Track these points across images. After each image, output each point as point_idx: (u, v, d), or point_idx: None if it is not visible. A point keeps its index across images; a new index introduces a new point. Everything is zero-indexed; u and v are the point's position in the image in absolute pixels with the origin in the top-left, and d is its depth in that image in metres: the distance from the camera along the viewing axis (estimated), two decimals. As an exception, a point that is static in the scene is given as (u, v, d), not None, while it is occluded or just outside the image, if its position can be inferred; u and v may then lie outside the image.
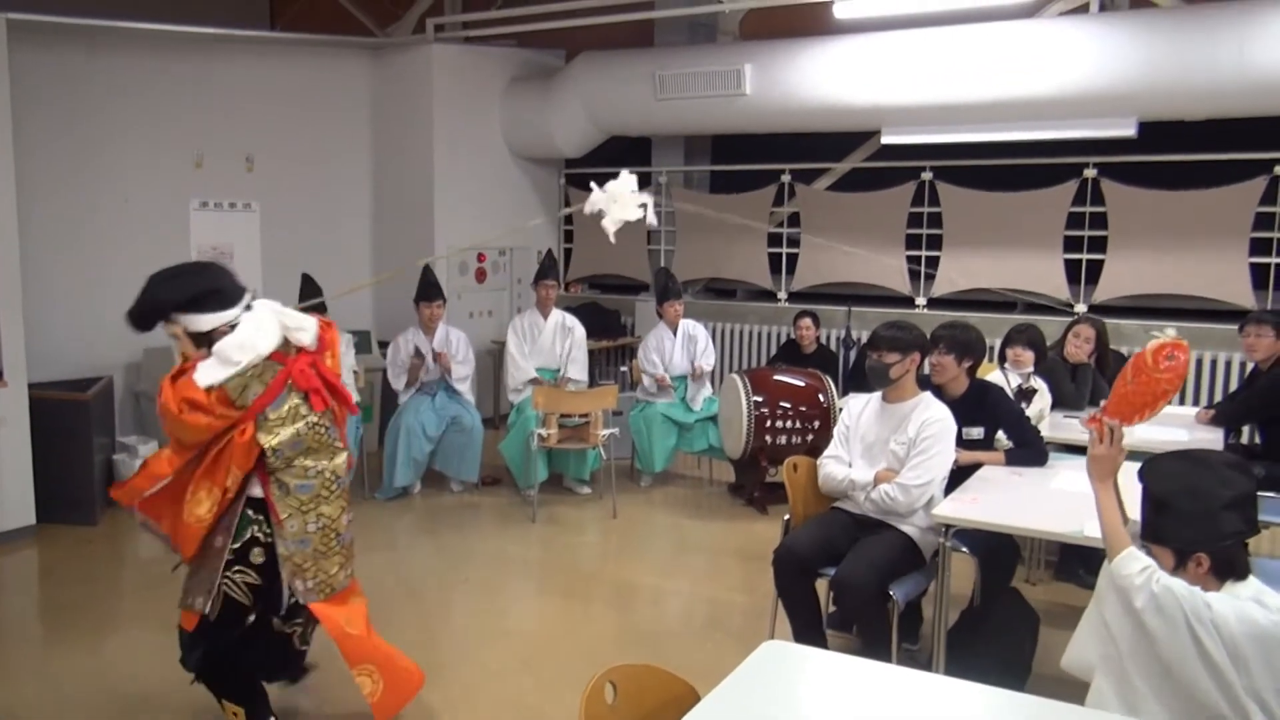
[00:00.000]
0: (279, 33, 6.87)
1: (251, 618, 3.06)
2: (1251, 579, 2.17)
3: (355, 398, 5.84)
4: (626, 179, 3.48)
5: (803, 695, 2.09)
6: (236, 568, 2.95)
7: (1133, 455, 4.21)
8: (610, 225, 3.73)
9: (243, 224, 6.97)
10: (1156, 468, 2.30)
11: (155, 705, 3.50)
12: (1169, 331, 2.57)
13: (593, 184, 3.46)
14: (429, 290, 6.07)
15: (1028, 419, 4.04)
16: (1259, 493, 4.39)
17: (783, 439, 5.73)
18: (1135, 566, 2.17)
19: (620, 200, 3.58)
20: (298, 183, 7.31)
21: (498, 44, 8.07)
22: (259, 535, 2.98)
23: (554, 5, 7.14)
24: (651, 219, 3.38)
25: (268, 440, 2.90)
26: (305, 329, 3.01)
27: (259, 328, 2.91)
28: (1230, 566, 2.16)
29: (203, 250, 6.70)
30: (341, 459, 3.08)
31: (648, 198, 3.38)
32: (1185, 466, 2.27)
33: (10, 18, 4.98)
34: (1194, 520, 2.18)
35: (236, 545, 2.95)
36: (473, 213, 7.93)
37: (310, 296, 5.89)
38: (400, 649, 3.27)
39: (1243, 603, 2.08)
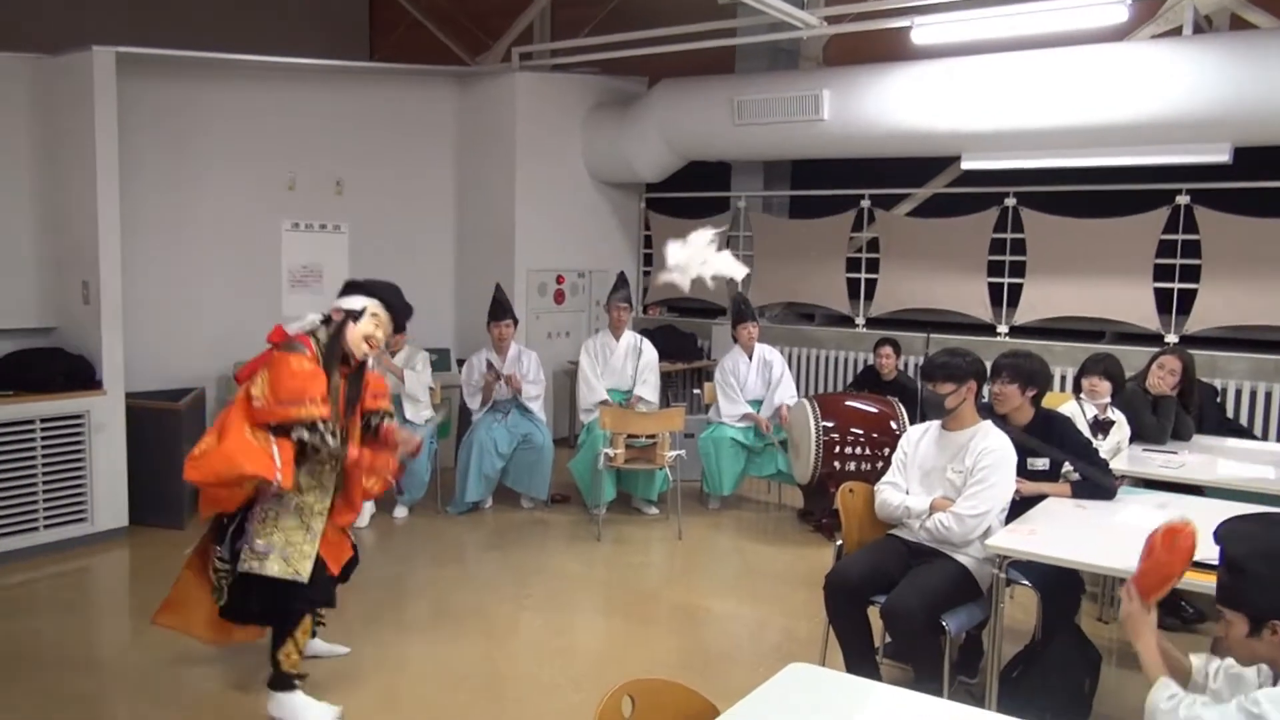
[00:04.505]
0: (367, 63, 7.15)
1: None
2: None
3: (428, 414, 6.02)
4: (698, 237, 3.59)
5: (821, 718, 2.08)
6: None
7: (1219, 493, 4.07)
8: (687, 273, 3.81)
9: (332, 245, 7.26)
10: (1234, 530, 2.17)
11: (233, 691, 3.66)
12: (1178, 515, 2.48)
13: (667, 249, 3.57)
14: (498, 310, 6.22)
15: (1095, 451, 3.92)
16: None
17: (852, 465, 5.66)
18: (1164, 694, 2.13)
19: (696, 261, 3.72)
20: (385, 205, 7.57)
21: (582, 72, 8.24)
22: None
23: (638, 34, 7.27)
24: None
25: None
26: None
27: None
28: None
29: (293, 270, 7.00)
30: None
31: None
32: (1263, 529, 2.15)
33: (120, 51, 5.32)
34: (1270, 586, 2.04)
35: None
36: (553, 236, 8.10)
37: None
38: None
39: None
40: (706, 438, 6.29)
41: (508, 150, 7.83)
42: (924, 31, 6.14)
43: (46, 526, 5.21)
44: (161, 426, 5.61)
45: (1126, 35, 6.32)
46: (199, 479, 3.29)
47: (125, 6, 7.99)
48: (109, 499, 5.45)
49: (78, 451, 5.30)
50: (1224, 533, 2.16)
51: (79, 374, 5.35)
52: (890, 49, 6.94)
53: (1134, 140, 6.11)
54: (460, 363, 7.07)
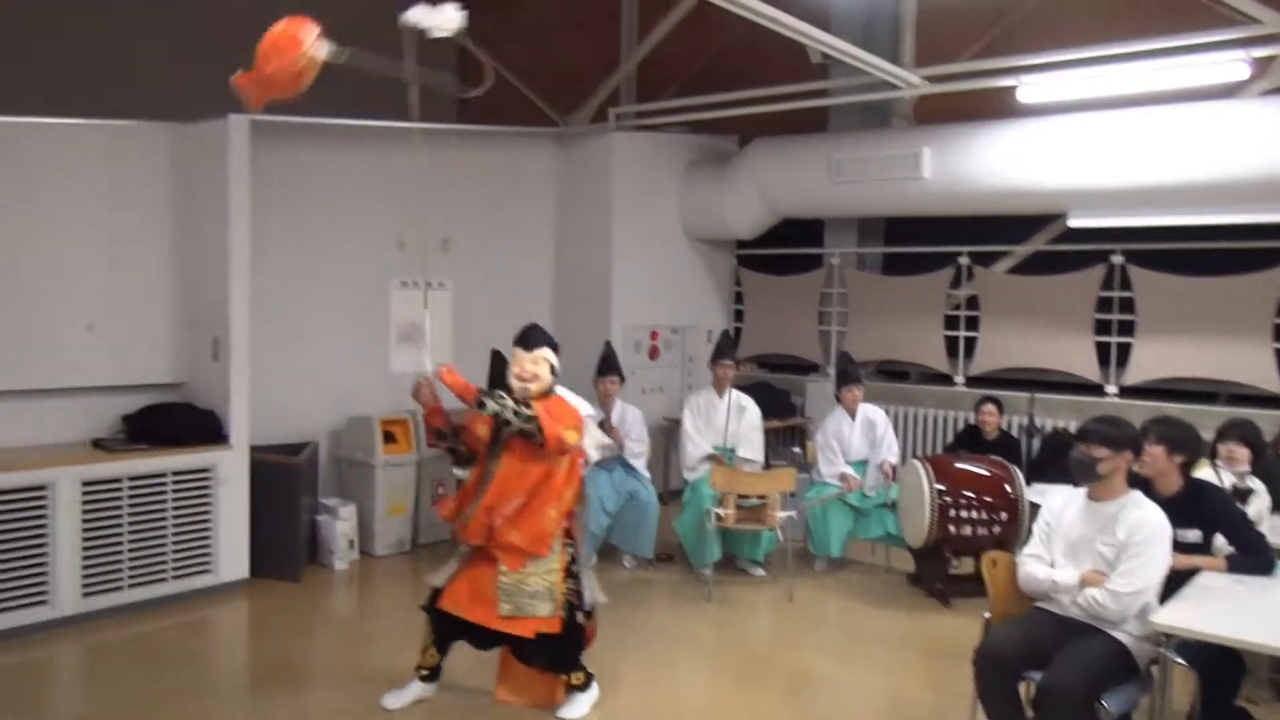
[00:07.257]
0: (480, 126, 7.36)
1: None
2: None
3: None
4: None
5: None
6: None
7: None
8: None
9: (436, 302, 7.38)
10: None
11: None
12: None
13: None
14: (606, 366, 6.29)
15: (1251, 523, 3.81)
16: None
17: (968, 529, 5.57)
18: None
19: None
20: (486, 263, 7.69)
21: (674, 130, 8.36)
22: None
23: (726, 95, 7.37)
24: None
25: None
26: None
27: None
28: None
29: (402, 325, 7.13)
30: None
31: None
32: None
33: (254, 119, 5.54)
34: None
35: None
36: (648, 291, 8.18)
37: (498, 371, 6.18)
38: None
39: None
40: (814, 497, 6.24)
41: (605, 208, 7.95)
42: (1030, 90, 6.14)
43: (175, 577, 5.34)
44: (281, 480, 5.73)
45: (1237, 92, 6.23)
46: None
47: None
48: (232, 551, 5.56)
49: (205, 504, 5.44)
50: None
51: (207, 428, 5.51)
52: (986, 106, 6.92)
53: (1246, 197, 6.01)
54: (562, 418, 7.12)
